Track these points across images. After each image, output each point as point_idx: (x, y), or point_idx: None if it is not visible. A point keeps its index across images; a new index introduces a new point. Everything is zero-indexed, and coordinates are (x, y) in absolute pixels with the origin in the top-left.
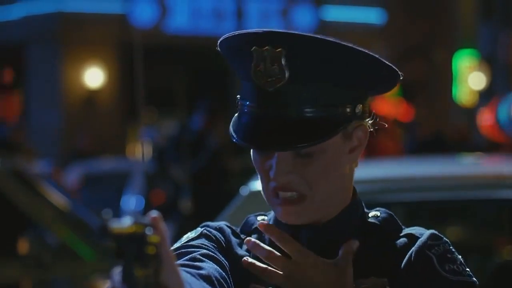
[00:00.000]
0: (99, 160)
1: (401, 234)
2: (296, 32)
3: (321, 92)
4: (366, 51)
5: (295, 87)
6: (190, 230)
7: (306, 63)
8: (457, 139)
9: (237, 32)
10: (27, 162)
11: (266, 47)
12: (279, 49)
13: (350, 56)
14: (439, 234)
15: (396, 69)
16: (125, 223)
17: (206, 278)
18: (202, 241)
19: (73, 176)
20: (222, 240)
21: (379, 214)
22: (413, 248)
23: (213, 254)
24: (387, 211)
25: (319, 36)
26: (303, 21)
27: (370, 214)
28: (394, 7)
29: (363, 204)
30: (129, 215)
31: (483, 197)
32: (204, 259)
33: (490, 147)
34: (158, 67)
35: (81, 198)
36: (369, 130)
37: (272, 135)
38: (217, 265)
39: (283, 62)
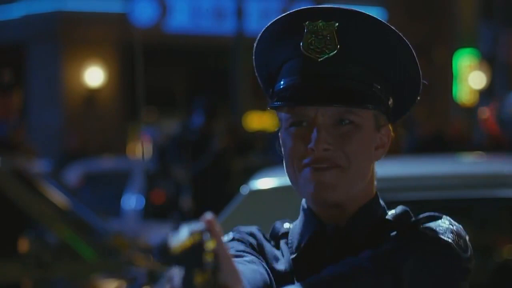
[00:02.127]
0: (99, 159)
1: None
2: (349, 8)
3: (366, 69)
4: (408, 43)
5: (343, 59)
6: None
7: (356, 39)
8: (453, 136)
9: (288, 12)
10: (27, 161)
11: (319, 21)
12: (332, 23)
13: (397, 42)
14: (438, 214)
15: (422, 79)
16: (183, 236)
17: (254, 263)
18: (235, 244)
19: (73, 175)
20: (255, 244)
21: (394, 212)
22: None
23: (250, 251)
24: (404, 207)
25: (371, 15)
26: None
27: (389, 213)
28: (394, 6)
29: (384, 206)
30: (186, 224)
31: (483, 196)
32: (242, 253)
33: (490, 146)
34: (158, 66)
35: (81, 197)
36: (391, 134)
37: (318, 98)
38: (256, 257)
39: (334, 34)
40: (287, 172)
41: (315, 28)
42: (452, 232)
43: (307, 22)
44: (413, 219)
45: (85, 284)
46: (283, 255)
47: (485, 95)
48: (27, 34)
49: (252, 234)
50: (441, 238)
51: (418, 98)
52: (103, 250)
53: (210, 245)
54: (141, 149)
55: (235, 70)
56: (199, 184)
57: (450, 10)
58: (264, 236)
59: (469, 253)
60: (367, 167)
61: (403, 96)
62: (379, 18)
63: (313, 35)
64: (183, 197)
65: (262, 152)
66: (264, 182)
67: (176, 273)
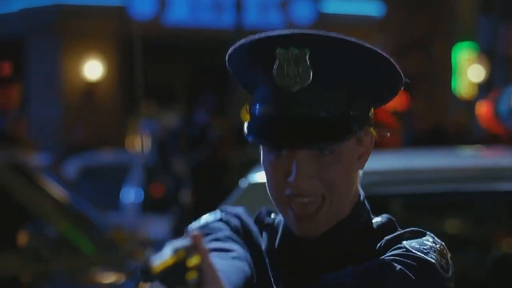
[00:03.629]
0: (98, 152)
1: (389, 236)
2: (321, 33)
3: (343, 93)
4: (386, 55)
5: (318, 87)
6: (190, 222)
7: (330, 64)
8: (455, 131)
9: (257, 36)
10: (26, 155)
11: (291, 48)
12: (304, 50)
13: (372, 58)
14: (423, 230)
15: (403, 77)
16: (165, 255)
17: (239, 259)
18: (221, 225)
19: (72, 168)
20: (240, 228)
21: (379, 220)
22: (387, 236)
23: (235, 238)
24: (389, 216)
25: (343, 36)
26: (302, 13)
27: (374, 220)
28: (393, 0)
29: (369, 210)
30: (169, 242)
31: (482, 189)
32: (228, 240)
33: (489, 139)
34: (157, 60)
35: (80, 191)
36: (375, 137)
37: (295, 134)
38: (240, 247)
39: (307, 62)
40: (269, 192)
41: (288, 56)
42: (435, 252)
43: (278, 49)
44: (398, 231)
45: (84, 278)
46: (263, 246)
47: (484, 88)
48: (26, 28)
49: (238, 217)
50: (424, 258)
51: (398, 92)
52: (102, 244)
53: (193, 261)
54: (140, 143)
55: None
56: (198, 177)
57: (449, 3)
58: (250, 219)
59: (450, 273)
60: (351, 187)
61: (382, 99)
62: (349, 38)
63: (286, 64)
64: (182, 190)
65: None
66: (263, 175)
67: None
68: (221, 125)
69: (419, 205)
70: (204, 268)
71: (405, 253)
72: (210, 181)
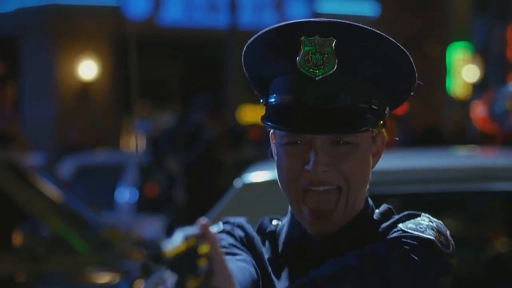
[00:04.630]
0: (93, 152)
1: (386, 224)
2: (346, 22)
3: (365, 84)
4: (407, 52)
5: (341, 77)
6: (184, 222)
7: (354, 54)
8: (454, 131)
9: (283, 23)
10: (21, 154)
11: (316, 37)
12: (329, 38)
13: (394, 53)
14: (417, 212)
15: (417, 81)
16: (176, 241)
17: (244, 261)
18: (224, 236)
19: (66, 168)
20: (243, 237)
21: (378, 211)
22: (383, 224)
23: (239, 246)
24: (388, 205)
25: (368, 27)
26: (297, 13)
27: (376, 211)
28: None
29: (373, 205)
30: (179, 229)
31: (476, 189)
32: (232, 247)
33: (483, 139)
34: (152, 60)
35: (74, 191)
36: (386, 139)
37: (316, 121)
38: (245, 253)
39: (332, 51)
40: (281, 186)
41: (313, 44)
42: (432, 229)
43: (303, 37)
44: (394, 217)
45: (79, 277)
46: (266, 254)
47: (479, 88)
48: (21, 27)
49: (241, 227)
50: (422, 236)
51: (410, 95)
52: (96, 244)
53: (204, 249)
54: (135, 142)
55: (228, 63)
56: (192, 176)
57: (444, 3)
58: (253, 229)
59: (451, 248)
60: (365, 182)
61: (397, 99)
62: (374, 30)
63: (310, 52)
64: (176, 190)
65: (255, 145)
66: (258, 175)
67: (170, 276)
68: (215, 125)
69: (414, 205)
70: (214, 257)
71: (403, 234)
72: (204, 181)
